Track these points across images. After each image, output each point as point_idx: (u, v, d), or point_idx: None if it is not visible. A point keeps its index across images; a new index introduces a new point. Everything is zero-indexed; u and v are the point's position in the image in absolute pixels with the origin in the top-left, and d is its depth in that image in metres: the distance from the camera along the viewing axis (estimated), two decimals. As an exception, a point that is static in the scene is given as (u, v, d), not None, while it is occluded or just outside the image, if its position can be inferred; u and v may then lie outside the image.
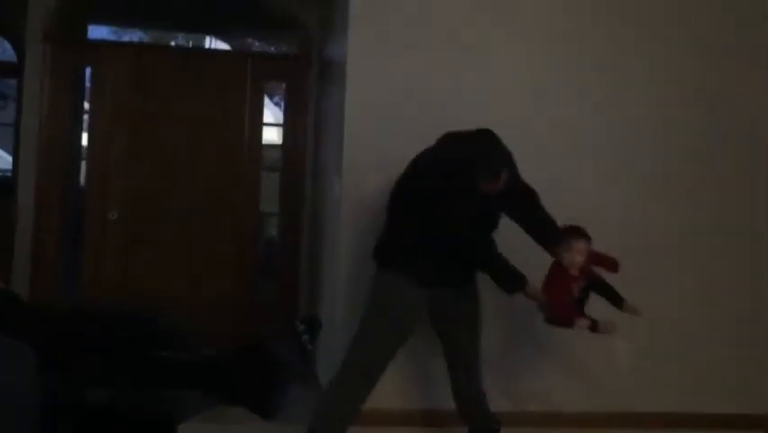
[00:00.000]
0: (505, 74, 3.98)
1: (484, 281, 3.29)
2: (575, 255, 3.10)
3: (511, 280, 3.12)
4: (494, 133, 3.10)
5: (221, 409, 2.35)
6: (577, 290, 3.14)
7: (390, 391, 3.61)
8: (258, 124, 5.17)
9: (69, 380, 2.03)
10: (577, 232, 3.14)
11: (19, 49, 5.22)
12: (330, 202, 4.26)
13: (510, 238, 3.21)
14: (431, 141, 3.25)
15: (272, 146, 6.01)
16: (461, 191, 3.05)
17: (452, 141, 3.16)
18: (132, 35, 10.85)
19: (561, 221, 3.22)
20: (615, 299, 3.22)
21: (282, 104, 6.00)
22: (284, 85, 5.49)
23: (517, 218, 3.28)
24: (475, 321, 3.43)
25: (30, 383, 1.89)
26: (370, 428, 3.53)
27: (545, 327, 3.41)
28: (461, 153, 3.08)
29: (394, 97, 3.83)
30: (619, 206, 4.02)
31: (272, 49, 7.71)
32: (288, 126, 5.28)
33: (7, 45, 5.75)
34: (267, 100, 6.22)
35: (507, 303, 3.73)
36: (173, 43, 8.89)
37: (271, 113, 7.85)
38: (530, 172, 3.26)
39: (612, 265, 3.22)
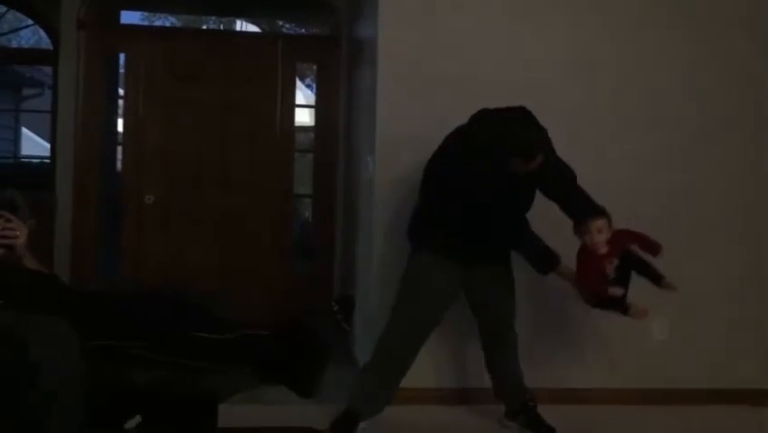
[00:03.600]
0: (538, 49, 3.94)
1: (517, 259, 3.30)
2: (594, 234, 3.09)
3: (543, 259, 3.13)
4: (529, 112, 3.06)
5: (260, 389, 2.37)
6: (610, 269, 3.12)
7: (426, 371, 3.63)
8: (290, 106, 5.17)
9: (111, 361, 2.06)
10: (594, 211, 3.14)
11: (54, 36, 5.29)
12: (363, 182, 4.26)
13: (546, 219, 3.21)
14: (464, 118, 3.23)
15: (305, 128, 6.03)
16: (492, 171, 3.03)
17: (486, 118, 3.13)
18: (164, 20, 10.92)
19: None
20: (653, 276, 3.20)
21: (314, 86, 6.01)
22: (315, 66, 5.48)
23: (552, 196, 3.27)
24: (508, 295, 3.43)
25: (74, 365, 1.93)
26: (406, 406, 3.56)
27: (578, 306, 3.40)
28: (496, 132, 3.06)
29: (426, 75, 3.81)
30: (655, 176, 4.00)
31: (302, 30, 7.71)
32: (320, 107, 5.28)
33: (42, 33, 5.83)
34: (299, 83, 6.23)
35: (538, 281, 3.72)
36: (204, 27, 8.93)
37: (303, 95, 7.86)
38: (565, 145, 3.23)
39: (652, 248, 3.20)
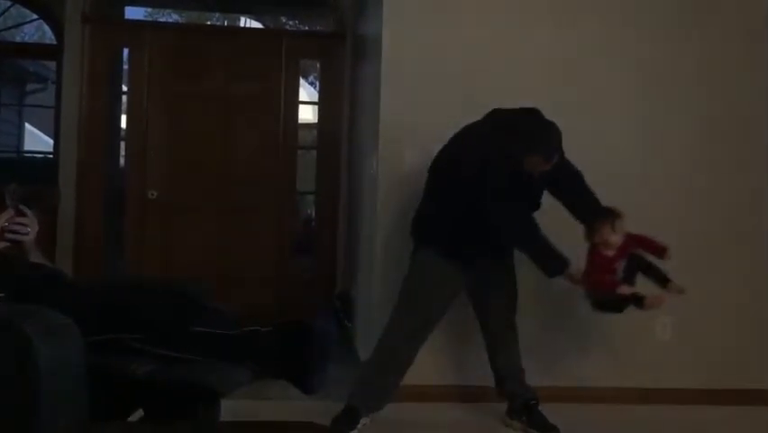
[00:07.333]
0: (543, 47, 3.93)
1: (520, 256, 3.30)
2: (606, 235, 3.09)
3: (551, 261, 3.11)
4: (541, 114, 3.08)
5: (262, 385, 2.37)
6: (618, 270, 3.12)
7: (428, 368, 3.63)
8: (294, 103, 5.18)
9: (113, 354, 2.06)
10: (608, 212, 3.14)
11: (58, 31, 5.29)
12: (366, 179, 4.26)
13: (552, 220, 3.20)
14: (468, 116, 3.23)
15: (308, 125, 6.02)
16: (508, 169, 3.04)
17: (503, 117, 3.14)
18: (167, 17, 10.93)
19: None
20: (659, 279, 3.19)
21: (317, 83, 6.00)
22: (318, 63, 5.48)
23: (561, 196, 3.27)
24: (510, 292, 3.44)
25: (76, 359, 1.93)
26: (408, 403, 3.56)
27: (581, 305, 3.40)
28: (514, 131, 3.07)
29: (429, 73, 3.81)
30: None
31: (306, 27, 7.70)
32: (323, 104, 5.28)
33: (47, 28, 5.83)
34: (302, 80, 6.22)
35: (544, 281, 3.71)
36: (208, 24, 8.92)
37: (306, 92, 7.85)
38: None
39: (659, 251, 3.19)
